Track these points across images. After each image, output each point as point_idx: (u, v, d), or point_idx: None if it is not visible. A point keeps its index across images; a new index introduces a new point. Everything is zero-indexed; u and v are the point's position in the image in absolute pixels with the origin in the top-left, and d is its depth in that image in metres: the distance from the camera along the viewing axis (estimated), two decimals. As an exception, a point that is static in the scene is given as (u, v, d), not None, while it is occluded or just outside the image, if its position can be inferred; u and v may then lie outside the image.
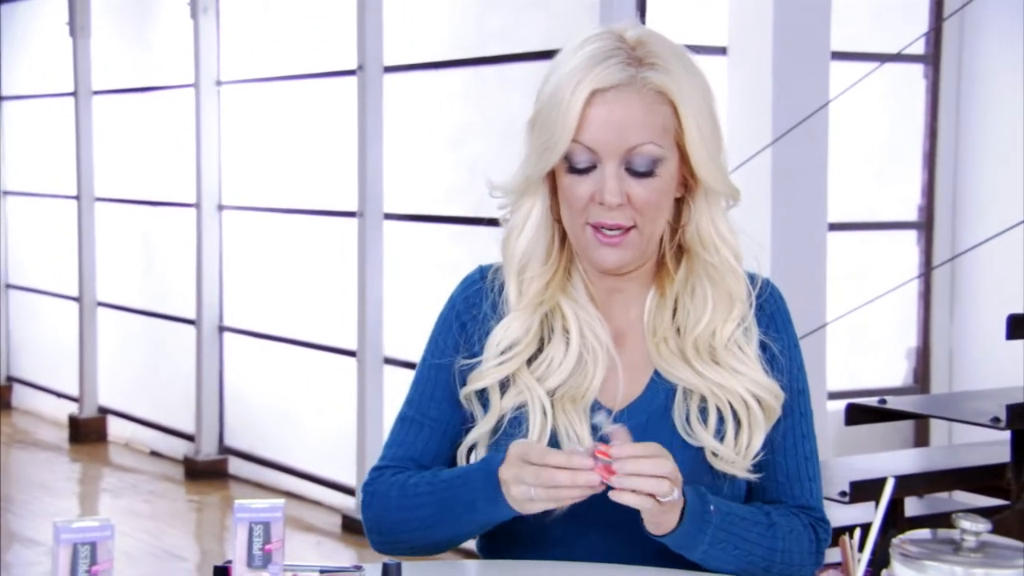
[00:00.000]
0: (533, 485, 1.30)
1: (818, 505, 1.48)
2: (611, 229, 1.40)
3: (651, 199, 1.39)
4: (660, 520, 1.33)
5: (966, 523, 1.05)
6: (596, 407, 1.44)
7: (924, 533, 1.08)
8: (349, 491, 4.87)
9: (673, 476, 1.30)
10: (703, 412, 1.44)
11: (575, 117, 1.36)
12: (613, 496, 1.29)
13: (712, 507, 1.37)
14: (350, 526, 4.74)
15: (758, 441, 1.44)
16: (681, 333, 1.46)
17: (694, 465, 1.42)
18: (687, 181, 1.43)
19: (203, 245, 5.67)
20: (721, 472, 1.43)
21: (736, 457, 1.42)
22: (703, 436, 1.42)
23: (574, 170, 1.39)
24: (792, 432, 1.47)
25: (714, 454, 1.42)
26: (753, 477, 1.45)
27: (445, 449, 1.50)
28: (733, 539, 1.38)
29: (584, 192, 1.39)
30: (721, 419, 1.43)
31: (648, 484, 1.28)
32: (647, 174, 1.38)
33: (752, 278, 1.49)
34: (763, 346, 1.47)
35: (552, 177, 1.44)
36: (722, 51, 3.94)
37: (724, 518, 1.38)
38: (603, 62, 1.37)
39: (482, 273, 1.52)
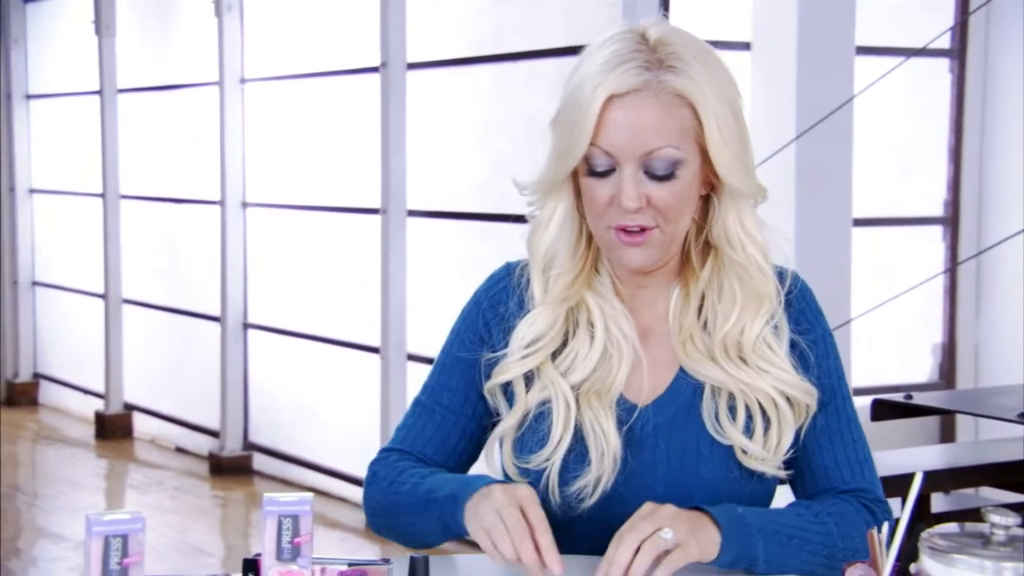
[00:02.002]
0: (507, 529, 1.29)
1: (872, 487, 1.47)
2: (633, 228, 1.39)
3: (672, 201, 1.38)
4: (701, 550, 1.31)
5: (995, 517, 1.04)
6: (622, 402, 1.44)
7: (953, 527, 1.08)
8: (373, 487, 4.87)
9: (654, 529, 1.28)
10: (732, 410, 1.43)
11: (592, 121, 1.36)
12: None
13: (740, 510, 1.37)
14: (374, 522, 4.74)
15: (787, 440, 1.43)
16: (709, 331, 1.45)
17: (724, 462, 1.42)
18: (711, 180, 1.43)
19: (227, 242, 5.70)
20: (749, 470, 1.42)
21: (766, 455, 1.42)
22: (733, 433, 1.42)
23: (593, 173, 1.39)
24: (836, 418, 1.47)
25: (744, 451, 1.42)
26: (783, 475, 1.44)
27: (454, 439, 1.50)
28: (784, 532, 1.37)
29: (604, 195, 1.39)
30: (750, 416, 1.43)
31: (645, 552, 1.27)
32: (667, 177, 1.37)
33: (781, 273, 1.49)
34: (794, 343, 1.46)
35: (577, 175, 1.44)
36: (746, 46, 3.93)
37: (762, 518, 1.37)
38: (621, 65, 1.36)
39: (509, 270, 1.53)
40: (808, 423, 1.45)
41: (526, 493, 1.33)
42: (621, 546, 1.28)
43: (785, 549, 1.37)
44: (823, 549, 1.39)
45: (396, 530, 1.48)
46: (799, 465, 1.48)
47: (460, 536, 1.41)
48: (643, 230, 1.39)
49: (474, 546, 1.36)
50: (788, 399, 1.43)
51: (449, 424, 1.50)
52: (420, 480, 1.45)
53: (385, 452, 1.52)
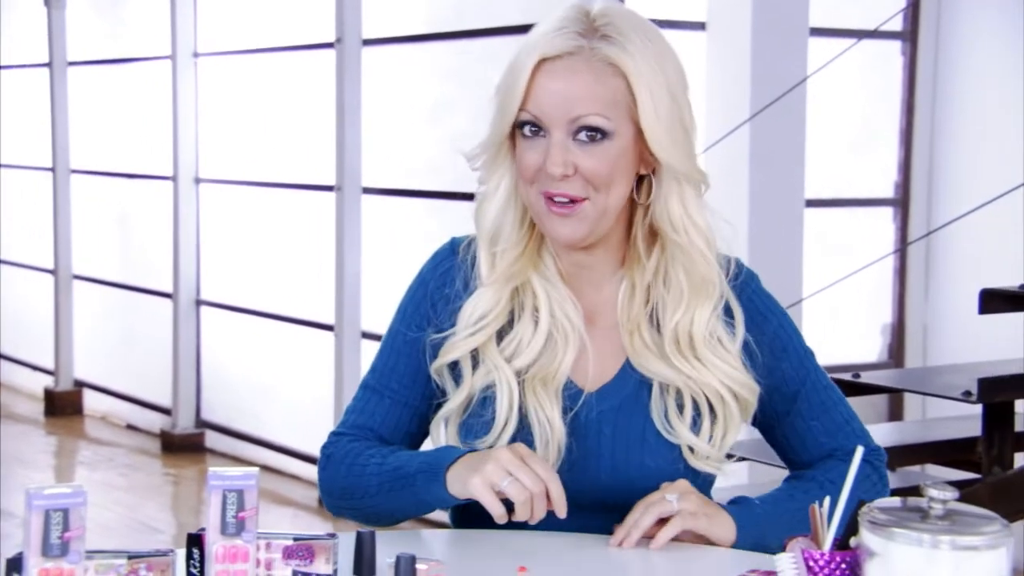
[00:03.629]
0: (517, 476, 1.31)
1: (864, 438, 1.51)
2: (560, 198, 1.39)
3: (599, 170, 1.37)
4: (718, 532, 1.38)
5: (934, 492, 1.06)
6: (568, 386, 1.44)
7: (893, 501, 1.09)
8: (326, 465, 4.87)
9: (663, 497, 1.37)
10: (680, 407, 1.44)
11: (523, 85, 1.37)
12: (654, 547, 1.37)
13: (756, 506, 1.43)
14: (327, 499, 4.74)
15: (732, 435, 1.45)
16: (656, 324, 1.45)
17: (669, 452, 1.43)
18: (649, 159, 1.41)
19: (180, 218, 5.65)
20: (694, 468, 1.44)
21: (711, 451, 1.43)
22: (682, 432, 1.42)
23: (525, 137, 1.40)
24: (815, 392, 1.50)
25: (691, 449, 1.43)
26: (727, 470, 1.47)
27: (405, 422, 1.50)
28: (790, 513, 1.42)
29: (533, 160, 1.39)
30: (697, 411, 1.44)
31: (652, 515, 1.36)
32: (594, 145, 1.37)
33: (725, 261, 1.48)
34: (746, 344, 1.46)
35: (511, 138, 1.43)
36: (701, 27, 3.94)
37: (772, 500, 1.44)
38: (556, 31, 1.37)
39: (453, 247, 1.51)
40: (794, 409, 1.49)
41: (528, 450, 1.35)
42: (646, 514, 1.35)
43: (797, 529, 1.38)
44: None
45: (361, 511, 1.47)
46: (794, 445, 1.51)
47: (433, 509, 1.41)
48: (573, 201, 1.38)
49: (428, 522, 1.36)
50: (735, 395, 1.44)
51: (399, 407, 1.49)
52: (382, 460, 1.43)
53: (336, 436, 1.50)
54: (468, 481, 1.32)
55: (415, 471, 1.39)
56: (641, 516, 1.36)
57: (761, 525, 1.41)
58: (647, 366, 1.44)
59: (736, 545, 1.39)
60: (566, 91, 1.36)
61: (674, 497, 1.35)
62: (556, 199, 1.38)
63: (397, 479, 1.40)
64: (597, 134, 1.37)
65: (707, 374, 1.43)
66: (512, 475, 1.31)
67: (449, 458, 1.37)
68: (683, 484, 1.39)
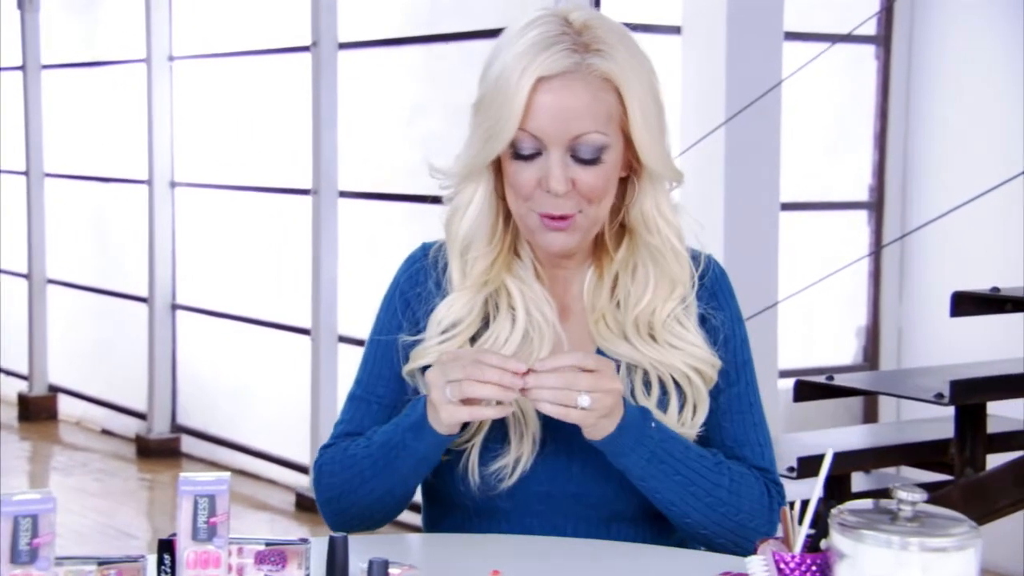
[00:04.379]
0: (459, 379, 1.30)
1: (771, 468, 1.49)
2: (557, 216, 1.39)
3: (597, 184, 1.39)
4: (596, 427, 1.34)
5: (902, 493, 1.07)
6: None
7: (862, 503, 1.10)
8: (303, 469, 4.86)
9: (595, 387, 1.30)
10: (647, 386, 1.45)
11: (521, 105, 1.36)
12: (534, 405, 1.32)
13: (653, 424, 1.38)
14: (304, 504, 4.73)
15: (702, 413, 1.45)
16: (621, 310, 1.47)
17: None
18: (632, 163, 1.44)
19: (155, 222, 5.62)
20: None
21: (681, 427, 1.44)
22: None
23: (519, 156, 1.39)
24: (738, 400, 1.48)
25: None
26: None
27: None
28: (674, 462, 1.38)
29: (529, 179, 1.39)
30: (664, 392, 1.45)
31: (559, 395, 1.30)
32: (593, 161, 1.38)
33: (695, 256, 1.50)
34: (703, 319, 1.48)
35: (497, 157, 1.43)
36: (676, 30, 3.95)
37: (666, 438, 1.39)
38: (549, 48, 1.36)
39: (425, 251, 1.53)
40: (711, 403, 1.47)
41: (447, 354, 1.35)
42: (562, 360, 1.31)
43: (665, 477, 1.38)
44: (705, 496, 1.40)
45: (361, 504, 1.44)
46: (701, 443, 1.49)
47: (438, 460, 1.40)
48: (565, 216, 1.40)
49: (401, 525, 1.36)
50: (700, 373, 1.45)
51: (388, 412, 1.49)
52: (368, 442, 1.44)
53: (324, 448, 1.50)
54: (437, 419, 1.34)
55: (402, 433, 1.39)
56: (548, 388, 1.30)
57: (638, 448, 1.37)
58: (614, 349, 1.45)
59: (595, 444, 1.36)
60: (566, 110, 1.36)
61: (585, 401, 1.30)
62: (553, 216, 1.39)
63: (389, 450, 1.41)
64: (597, 151, 1.38)
65: (671, 355, 1.44)
66: (452, 382, 1.31)
67: (422, 404, 1.38)
68: (616, 385, 1.33)
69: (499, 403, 1.32)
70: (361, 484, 1.43)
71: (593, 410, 1.31)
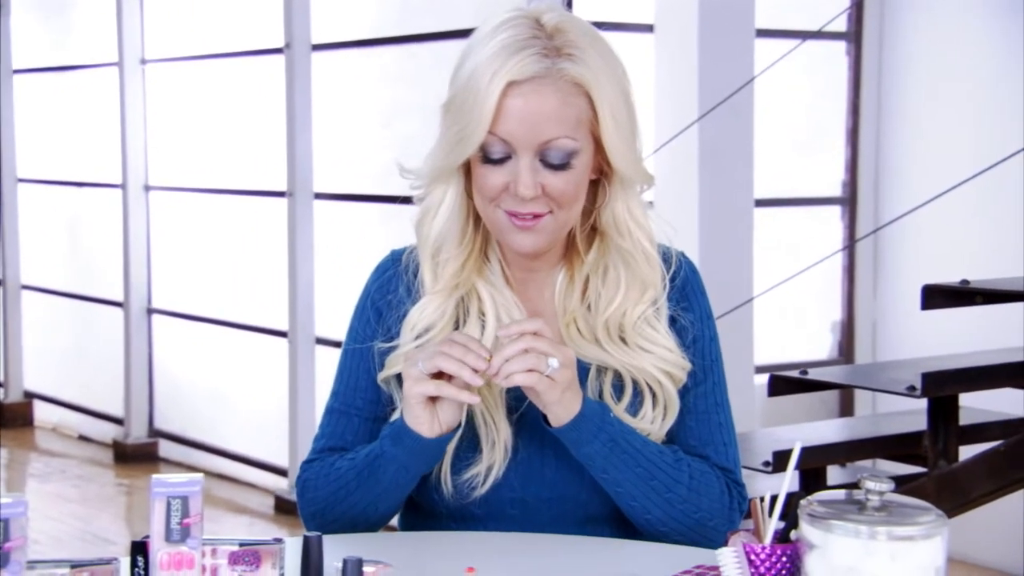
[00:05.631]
0: (425, 360, 1.32)
1: (734, 468, 1.49)
2: (525, 215, 1.39)
3: (567, 190, 1.39)
4: (560, 403, 1.34)
5: (870, 484, 1.08)
6: (513, 388, 1.43)
7: (831, 494, 1.11)
8: (281, 472, 4.85)
9: (550, 349, 1.32)
10: (618, 389, 1.45)
11: (491, 109, 1.35)
12: (503, 383, 1.33)
13: (612, 415, 1.39)
14: (282, 507, 4.72)
15: (672, 415, 1.45)
16: (592, 313, 1.46)
17: None
18: (602, 167, 1.43)
19: (130, 226, 5.60)
20: None
21: (650, 428, 1.44)
22: (617, 412, 1.43)
23: (488, 160, 1.39)
24: (704, 399, 1.48)
25: None
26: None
27: (376, 436, 1.49)
28: (633, 453, 1.38)
29: (498, 182, 1.39)
30: (635, 393, 1.45)
31: (528, 360, 1.31)
32: (562, 166, 1.38)
33: (666, 253, 1.50)
34: (672, 320, 1.48)
35: (467, 160, 1.42)
36: (649, 29, 3.96)
37: (626, 430, 1.39)
38: (520, 52, 1.35)
39: (394, 258, 1.52)
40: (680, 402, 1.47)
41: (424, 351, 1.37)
42: (521, 360, 1.31)
43: (624, 467, 1.38)
44: (665, 491, 1.40)
45: (349, 516, 1.45)
46: (668, 442, 1.49)
47: (424, 468, 1.40)
48: (535, 216, 1.40)
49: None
50: (670, 376, 1.45)
51: (368, 423, 1.49)
52: (353, 456, 1.44)
53: (307, 464, 1.50)
54: (411, 414, 1.35)
55: (382, 442, 1.40)
56: (515, 359, 1.32)
57: (599, 434, 1.37)
58: (584, 352, 1.45)
59: (559, 432, 1.37)
60: (536, 115, 1.35)
61: (555, 363, 1.32)
62: (521, 216, 1.39)
63: (372, 460, 1.41)
64: (566, 156, 1.37)
65: (641, 358, 1.44)
66: (425, 359, 1.33)
67: (399, 423, 1.39)
68: (572, 360, 1.35)
69: (468, 388, 1.32)
70: (346, 496, 1.44)
71: (559, 382, 1.32)
